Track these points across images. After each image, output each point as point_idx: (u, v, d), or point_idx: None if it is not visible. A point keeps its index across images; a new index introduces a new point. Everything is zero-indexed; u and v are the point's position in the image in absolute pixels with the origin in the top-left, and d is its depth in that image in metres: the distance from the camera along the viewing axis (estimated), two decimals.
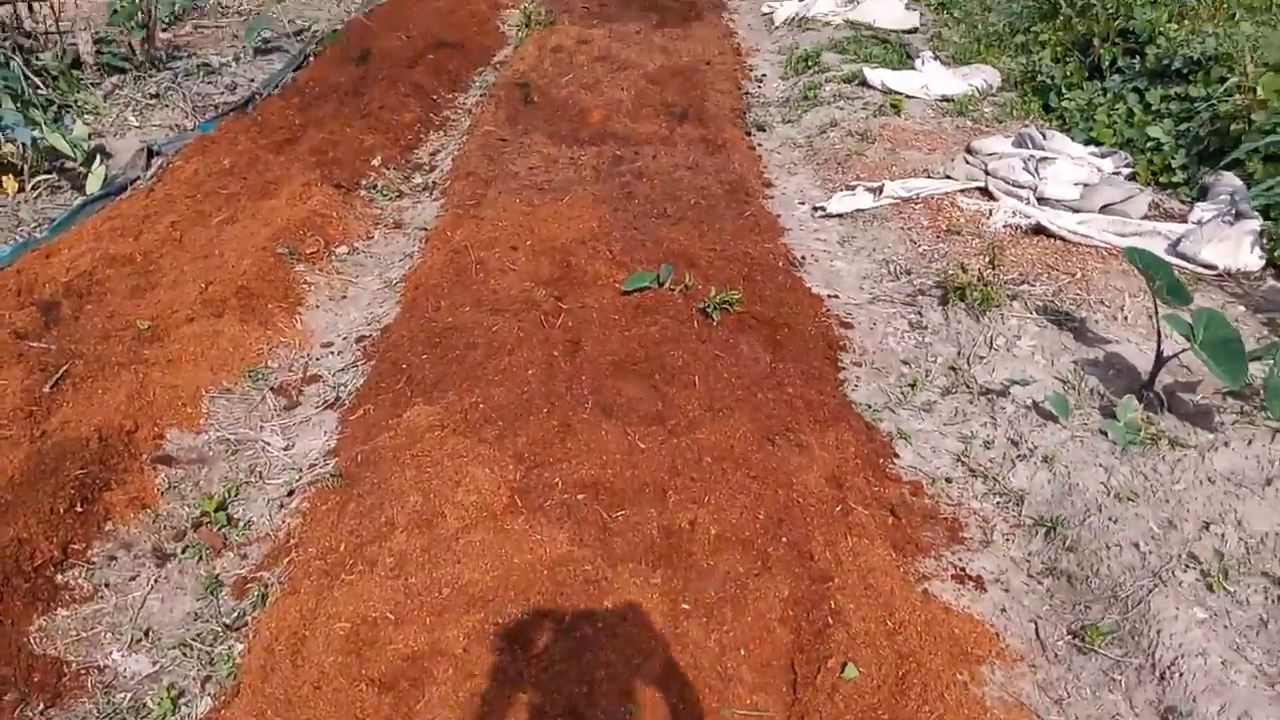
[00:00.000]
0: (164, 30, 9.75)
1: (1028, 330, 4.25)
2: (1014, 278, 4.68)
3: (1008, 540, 3.33)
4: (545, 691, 2.61)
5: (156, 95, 7.97)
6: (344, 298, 5.08)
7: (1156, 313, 3.78)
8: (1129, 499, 3.32)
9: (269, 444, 3.88)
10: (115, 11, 8.25)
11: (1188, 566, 3.08)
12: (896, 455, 3.76)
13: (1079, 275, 4.70)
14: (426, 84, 8.36)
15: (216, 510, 3.44)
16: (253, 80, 8.66)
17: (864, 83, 7.79)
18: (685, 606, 2.89)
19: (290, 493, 3.60)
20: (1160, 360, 3.76)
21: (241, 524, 3.45)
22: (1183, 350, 3.65)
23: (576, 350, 4.25)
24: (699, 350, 4.21)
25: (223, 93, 8.36)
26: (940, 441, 3.82)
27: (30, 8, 8.19)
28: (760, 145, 7.17)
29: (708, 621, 2.85)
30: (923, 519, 3.39)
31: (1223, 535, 3.17)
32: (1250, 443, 3.50)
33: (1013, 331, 4.26)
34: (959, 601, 3.08)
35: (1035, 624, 3.03)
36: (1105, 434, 3.61)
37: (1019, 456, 3.64)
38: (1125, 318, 4.36)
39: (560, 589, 2.95)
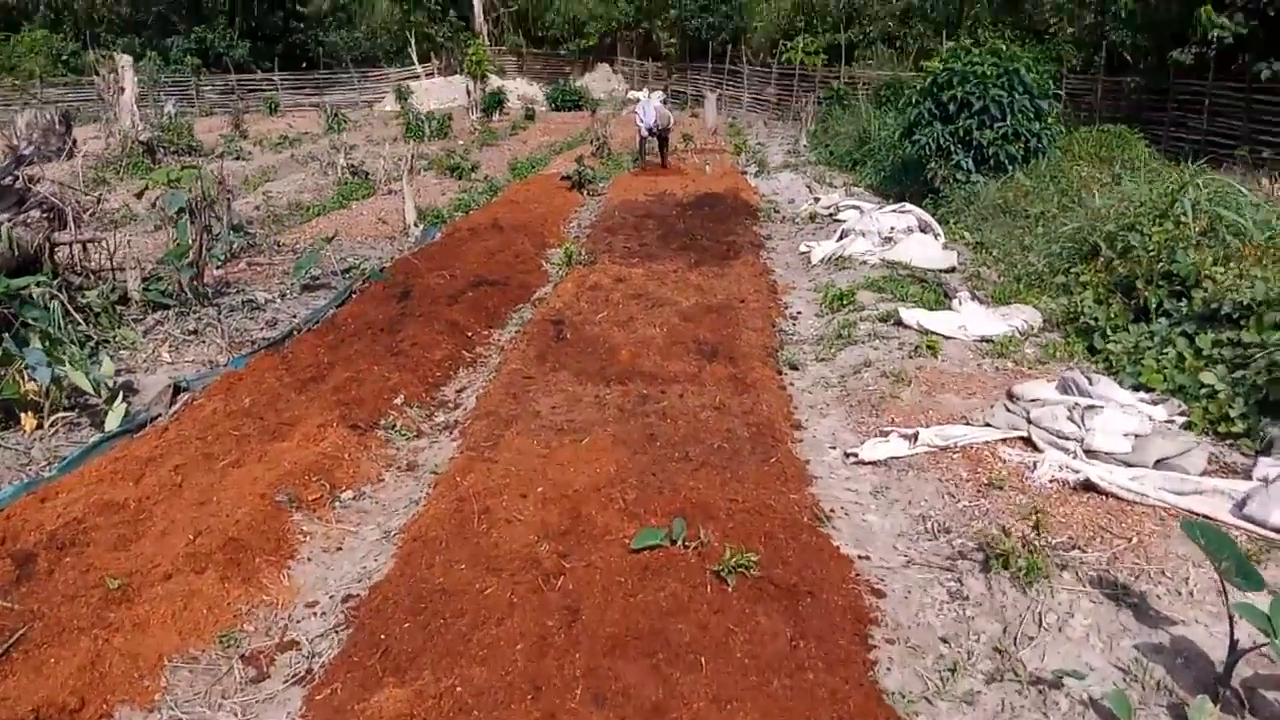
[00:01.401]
0: (218, 268, 10.10)
1: (1081, 606, 3.77)
2: (1063, 542, 4.24)
3: None
4: None
5: (195, 331, 8.11)
6: (339, 549, 4.79)
7: (1226, 596, 3.31)
8: None
9: None
10: (169, 252, 8.54)
11: None
12: None
13: (1135, 540, 4.24)
14: (463, 321, 8.40)
15: None
16: (294, 316, 8.81)
17: (900, 322, 7.64)
18: None
19: None
20: (1235, 652, 3.26)
21: None
22: (1262, 645, 3.15)
23: (574, 620, 3.86)
24: (710, 623, 3.80)
25: (262, 328, 8.50)
26: None
27: (85, 248, 8.52)
28: (792, 384, 6.94)
29: None
30: None
31: None
32: None
33: (1064, 608, 3.78)
34: None
35: None
36: None
37: None
38: (1191, 593, 3.86)
39: None
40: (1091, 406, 5.40)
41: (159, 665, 3.72)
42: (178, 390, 6.70)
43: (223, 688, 3.71)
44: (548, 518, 4.72)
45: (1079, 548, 4.20)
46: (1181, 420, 5.55)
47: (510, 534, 4.56)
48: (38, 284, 7.34)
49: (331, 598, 4.35)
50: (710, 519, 4.60)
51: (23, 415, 6.04)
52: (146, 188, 9.70)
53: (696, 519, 4.55)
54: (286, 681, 3.75)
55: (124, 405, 6.31)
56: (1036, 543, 4.12)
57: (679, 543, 4.31)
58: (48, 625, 3.79)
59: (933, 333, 7.28)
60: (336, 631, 4.05)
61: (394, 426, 6.25)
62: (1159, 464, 4.94)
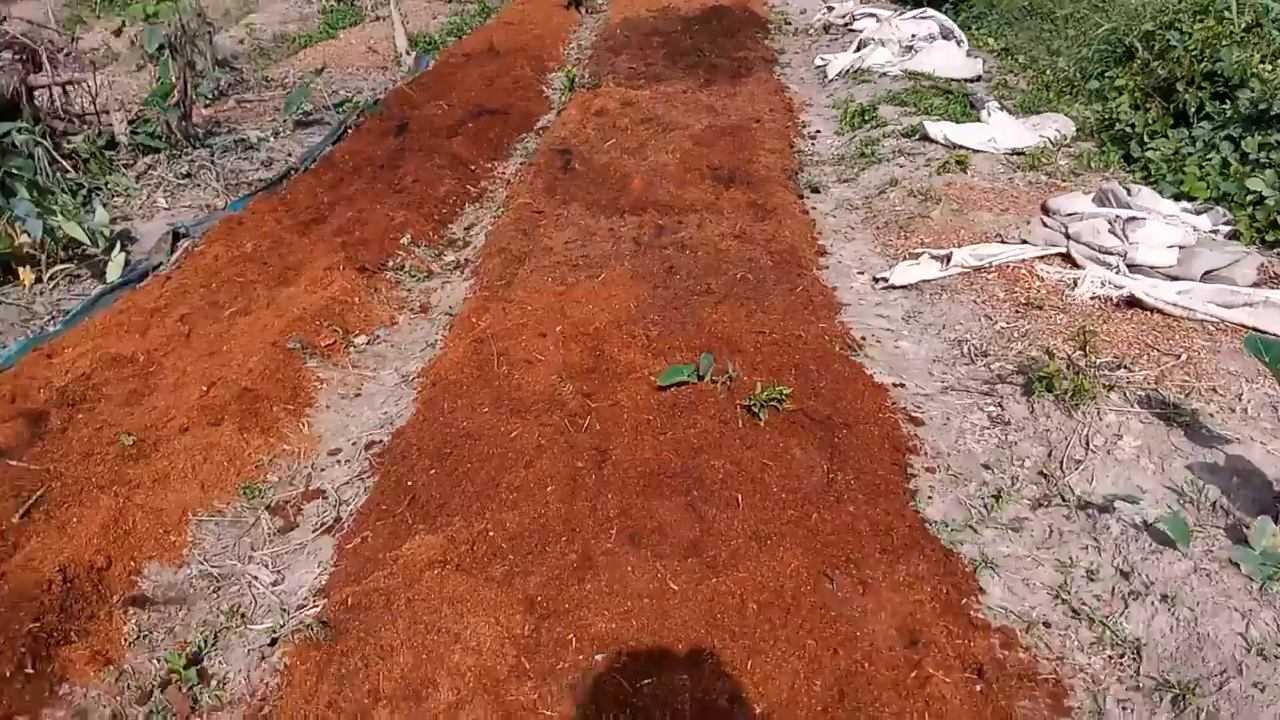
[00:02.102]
0: (206, 106, 9.65)
1: (1130, 427, 3.63)
2: (1108, 361, 4.06)
3: (1125, 711, 2.70)
4: None
5: (189, 174, 7.78)
6: (358, 395, 4.66)
7: None
8: (1276, 656, 2.68)
9: (256, 578, 3.44)
10: (153, 93, 8.09)
11: None
12: (982, 591, 3.16)
13: (1184, 357, 4.07)
14: (465, 154, 8.03)
15: (187, 667, 2.98)
16: (289, 155, 8.46)
17: (925, 137, 7.25)
18: None
19: (273, 641, 3.13)
20: None
21: (216, 681, 2.99)
22: None
23: (604, 460, 3.74)
24: (743, 458, 3.68)
25: (258, 169, 8.16)
26: (1034, 571, 3.21)
27: (65, 91, 8.08)
28: (814, 208, 6.65)
29: None
30: (1017, 681, 2.78)
31: None
32: None
33: (1112, 429, 3.64)
34: None
35: None
36: (1237, 565, 2.98)
37: (1131, 594, 3.01)
38: (1245, 410, 3.71)
39: None
40: (1133, 218, 5.12)
41: (184, 520, 3.65)
42: (177, 237, 6.45)
43: (251, 540, 3.65)
44: (569, 357, 4.56)
45: (1125, 367, 4.02)
46: (1227, 230, 5.29)
47: (532, 375, 4.41)
48: (19, 130, 6.97)
49: (354, 445, 4.25)
50: (737, 352, 4.43)
51: (20, 270, 5.83)
52: (124, 24, 9.09)
53: (723, 353, 4.38)
54: (315, 531, 3.68)
55: (123, 255, 6.09)
56: (1081, 363, 3.95)
57: (706, 378, 4.16)
58: (66, 484, 3.69)
59: (960, 147, 6.90)
60: (361, 479, 3.96)
61: (403, 267, 6.03)
62: (1206, 276, 4.72)
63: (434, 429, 4.05)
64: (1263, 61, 6.43)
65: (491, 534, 3.34)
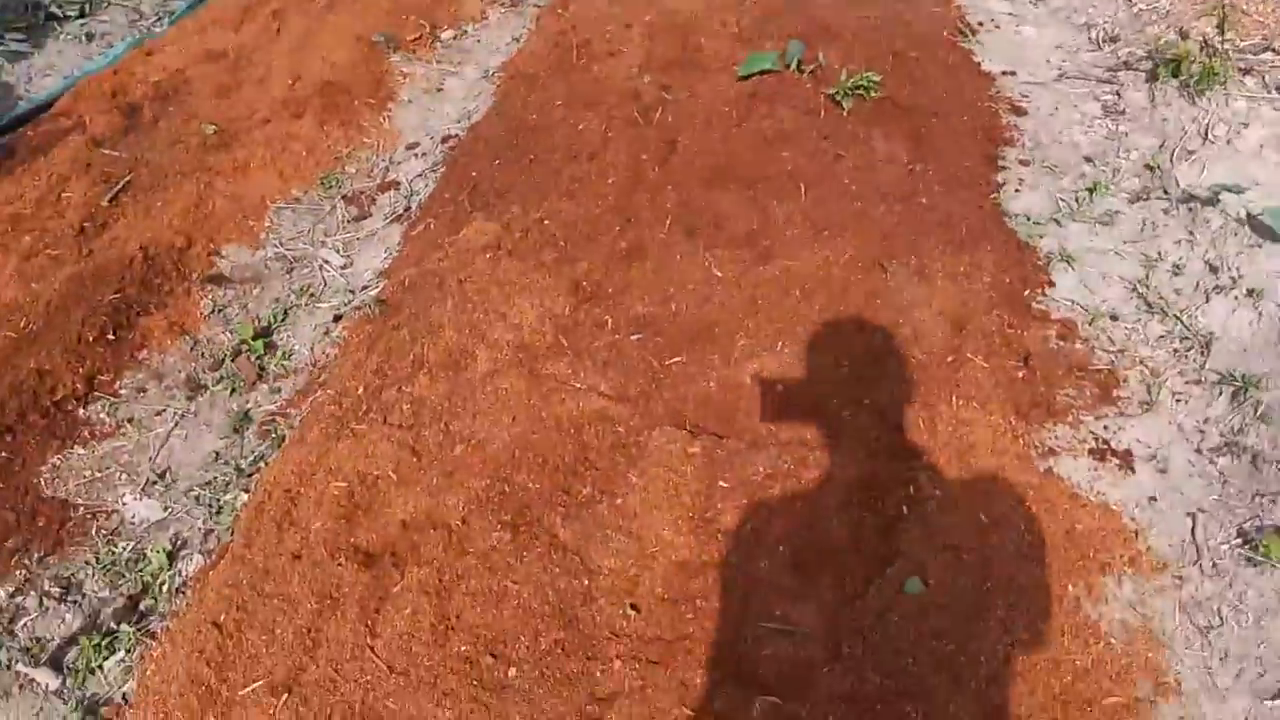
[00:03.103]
0: None
1: (1260, 115, 3.18)
2: (1253, 44, 3.52)
3: (1179, 402, 2.53)
4: (538, 585, 2.20)
5: None
6: (440, 90, 4.57)
7: None
8: None
9: (327, 262, 3.55)
10: None
11: None
12: (1050, 283, 2.94)
13: None
14: None
15: (256, 338, 3.16)
16: None
17: None
18: (723, 485, 2.36)
19: (337, 318, 3.27)
20: None
21: (282, 353, 3.17)
22: None
23: (671, 153, 3.59)
24: (818, 149, 3.46)
25: None
26: (1115, 265, 2.96)
27: None
28: None
29: (744, 507, 2.31)
30: (1066, 371, 2.63)
31: None
32: None
33: (1239, 118, 3.20)
34: (1093, 485, 2.37)
35: (1194, 519, 2.30)
36: None
37: (1216, 288, 2.75)
38: None
39: (583, 453, 2.49)
40: None
41: (262, 206, 3.76)
42: None
43: (325, 226, 3.74)
44: (653, 48, 4.30)
45: (1273, 49, 3.48)
46: None
47: (612, 67, 4.20)
48: None
49: (432, 138, 4.21)
50: (833, 39, 4.07)
51: None
52: None
53: (817, 40, 4.03)
54: (387, 219, 3.74)
55: None
56: (1218, 43, 3.44)
57: (793, 66, 3.86)
58: (153, 171, 3.83)
59: None
60: (434, 171, 3.95)
61: None
62: None
63: (505, 121, 3.96)
64: None
65: (546, 222, 3.31)
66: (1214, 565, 2.20)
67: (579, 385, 2.67)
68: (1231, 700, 1.98)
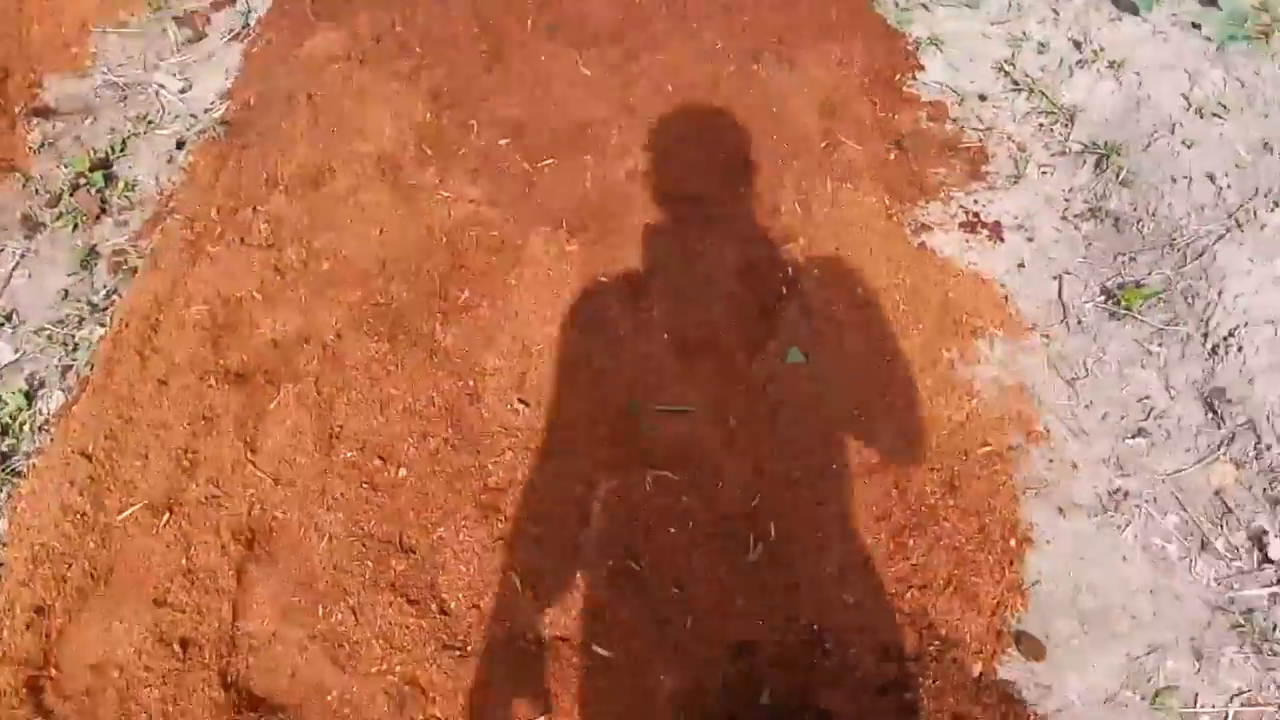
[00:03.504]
0: None
1: None
2: None
3: (1044, 174, 2.60)
4: (422, 390, 2.16)
5: None
6: None
7: None
8: (1214, 114, 2.52)
9: (163, 87, 3.27)
10: None
11: (1276, 205, 2.35)
12: (921, 68, 2.94)
13: None
14: None
15: (93, 170, 2.93)
16: None
17: None
18: (604, 280, 2.34)
19: (180, 145, 3.04)
20: None
21: (124, 184, 2.94)
22: None
23: None
24: None
25: None
26: (982, 47, 2.97)
27: None
28: None
29: (625, 300, 2.30)
30: (937, 150, 2.66)
31: None
32: None
33: None
34: (964, 256, 2.44)
35: (1060, 281, 2.40)
36: (1199, 27, 2.72)
37: (1080, 62, 2.80)
38: None
39: (458, 260, 2.42)
40: None
41: (84, 31, 3.42)
42: None
43: (158, 50, 3.44)
44: None
45: None
46: None
47: None
48: None
49: None
50: None
51: None
52: None
53: None
54: (225, 38, 3.45)
55: None
56: None
57: None
58: None
59: None
60: None
61: None
62: None
63: None
64: None
65: (399, 29, 3.11)
66: (1079, 322, 2.31)
67: (447, 193, 2.57)
68: (1096, 442, 2.12)
